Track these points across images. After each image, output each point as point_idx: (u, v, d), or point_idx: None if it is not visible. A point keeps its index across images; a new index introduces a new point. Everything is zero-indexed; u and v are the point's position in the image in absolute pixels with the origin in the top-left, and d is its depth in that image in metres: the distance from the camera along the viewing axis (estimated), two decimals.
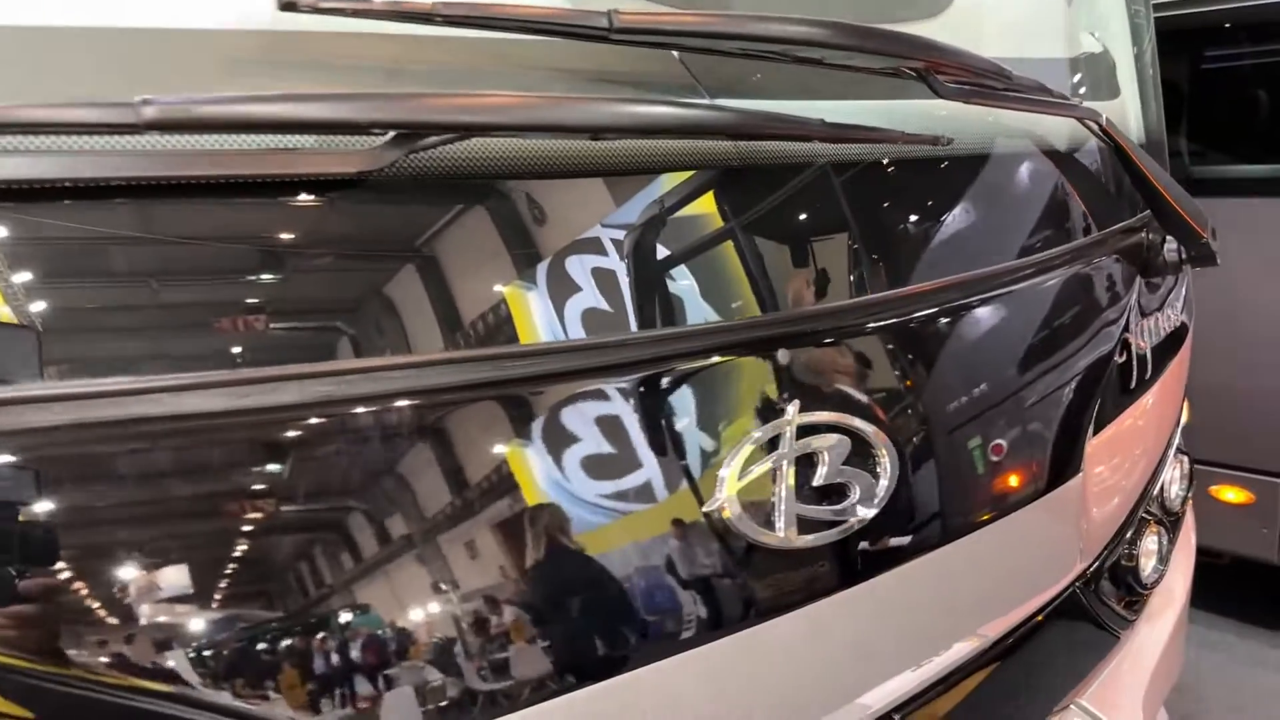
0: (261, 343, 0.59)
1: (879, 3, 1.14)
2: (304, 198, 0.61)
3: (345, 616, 0.59)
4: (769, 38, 0.75)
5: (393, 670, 0.60)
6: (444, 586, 0.62)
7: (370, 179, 0.61)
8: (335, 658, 0.58)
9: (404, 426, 0.62)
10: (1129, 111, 1.48)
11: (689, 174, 0.80)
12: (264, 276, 0.61)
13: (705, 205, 0.81)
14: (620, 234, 0.76)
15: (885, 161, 0.95)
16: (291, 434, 0.59)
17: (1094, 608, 1.23)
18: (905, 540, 0.85)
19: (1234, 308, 2.54)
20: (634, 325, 0.73)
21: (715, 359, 0.76)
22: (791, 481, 0.76)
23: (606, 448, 0.69)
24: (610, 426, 0.70)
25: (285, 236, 0.62)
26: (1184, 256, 1.30)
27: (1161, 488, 1.41)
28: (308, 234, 0.62)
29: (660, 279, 0.75)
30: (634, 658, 0.69)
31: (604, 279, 0.73)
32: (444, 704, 0.61)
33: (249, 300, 0.60)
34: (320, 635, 0.58)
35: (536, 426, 0.67)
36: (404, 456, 0.62)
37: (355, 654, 0.59)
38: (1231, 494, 2.64)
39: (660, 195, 0.78)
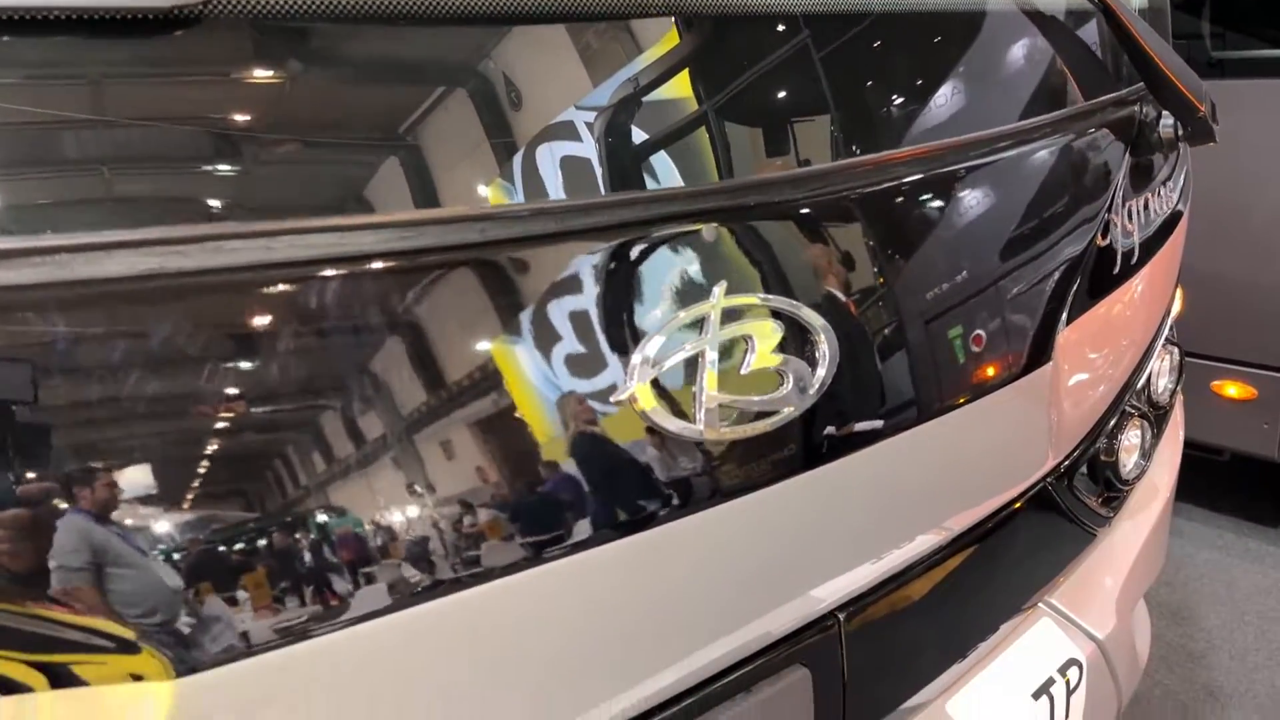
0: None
1: None
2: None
3: (290, 492, 0.54)
4: None
5: (310, 548, 0.55)
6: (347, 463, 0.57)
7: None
8: (282, 535, 0.53)
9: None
10: None
11: (621, 20, 0.72)
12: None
13: (639, 60, 0.73)
14: (534, 88, 0.68)
15: (850, 13, 0.86)
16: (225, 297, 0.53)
17: (1068, 504, 1.18)
18: (847, 432, 0.79)
19: (1248, 195, 2.43)
20: (545, 192, 0.66)
21: (633, 233, 0.69)
22: (714, 369, 0.69)
23: (510, 329, 0.63)
24: (512, 306, 0.63)
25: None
26: (1179, 133, 1.21)
27: (1148, 380, 1.35)
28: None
29: (574, 141, 0.68)
30: (543, 552, 0.64)
31: (507, 138, 0.66)
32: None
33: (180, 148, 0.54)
34: (268, 513, 0.53)
35: (431, 301, 0.60)
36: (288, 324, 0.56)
37: (289, 534, 0.54)
38: (1233, 389, 2.58)
39: (586, 45, 0.71)
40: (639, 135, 0.71)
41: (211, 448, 0.53)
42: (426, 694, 0.61)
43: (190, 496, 0.52)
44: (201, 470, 0.52)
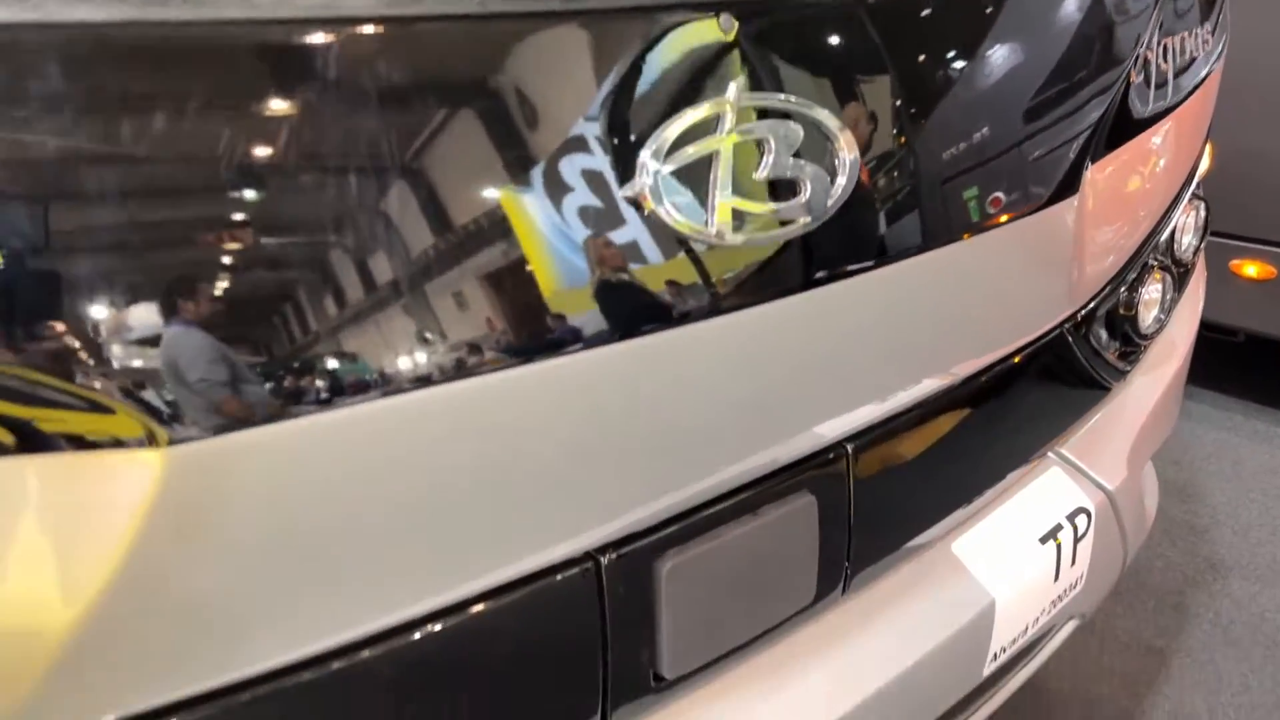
0: None
1: None
2: None
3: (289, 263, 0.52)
4: None
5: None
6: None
7: None
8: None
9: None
10: None
11: None
12: None
13: None
14: None
15: None
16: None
17: (1085, 355, 1.16)
18: (866, 248, 0.76)
19: (1273, 68, 2.35)
20: None
21: (645, 17, 0.65)
22: (728, 170, 0.66)
23: (511, 113, 0.59)
24: (513, 87, 0.60)
25: None
26: None
27: (1172, 234, 1.31)
28: None
29: None
30: (543, 348, 0.62)
31: None
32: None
33: None
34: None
35: (425, 72, 0.57)
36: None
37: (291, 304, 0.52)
38: (1253, 269, 2.53)
39: None
40: None
41: (211, 202, 0.50)
42: (426, 482, 0.59)
43: (184, 252, 0.50)
44: (192, 228, 0.50)
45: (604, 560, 0.72)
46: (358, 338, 0.55)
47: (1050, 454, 1.17)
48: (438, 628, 0.65)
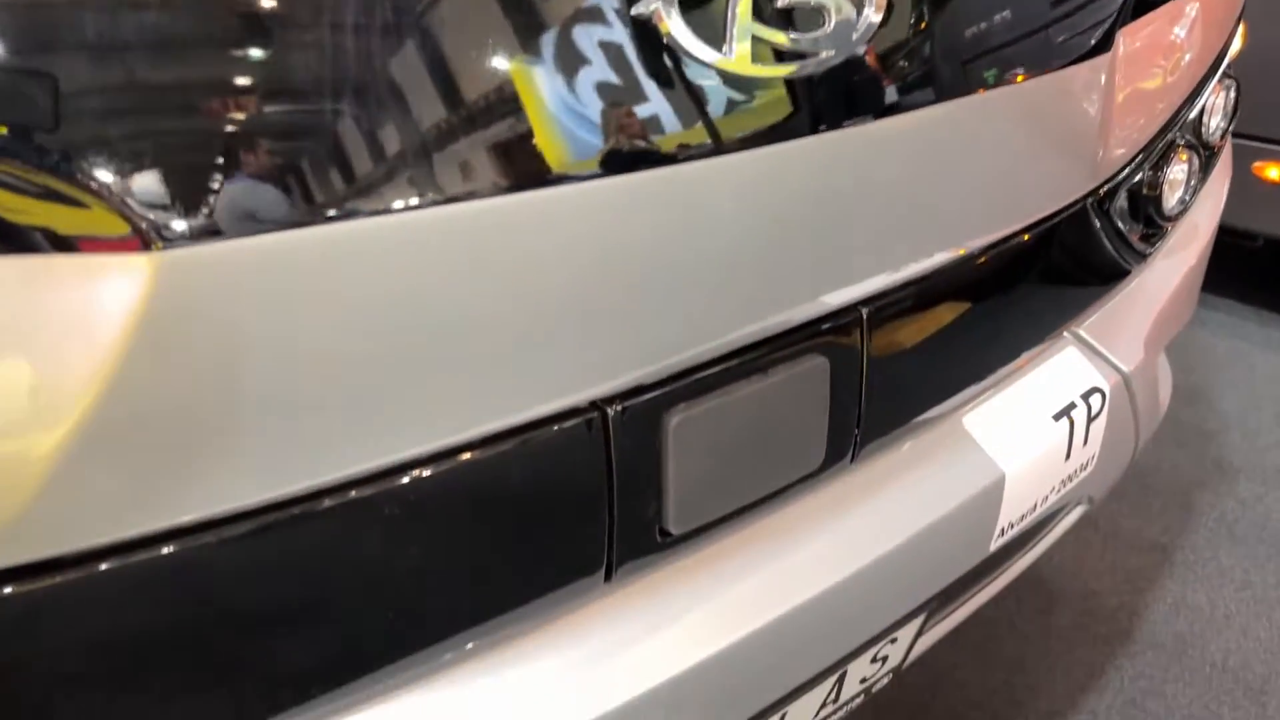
0: None
1: None
2: None
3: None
4: None
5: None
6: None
7: None
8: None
9: None
10: None
11: None
12: None
13: None
14: None
15: None
16: None
17: (1106, 233, 1.13)
18: (894, 89, 0.73)
19: None
20: None
21: None
22: None
23: None
24: None
25: None
26: None
27: (1201, 113, 1.26)
28: None
29: None
30: (554, 171, 0.59)
31: None
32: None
33: None
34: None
35: None
36: None
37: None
38: (1276, 171, 2.48)
39: None
40: None
41: None
42: (430, 311, 0.57)
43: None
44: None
45: (610, 411, 0.70)
46: (363, 146, 0.52)
47: (1067, 333, 1.15)
48: (443, 469, 0.63)
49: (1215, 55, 1.25)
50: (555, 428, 0.68)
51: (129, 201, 0.46)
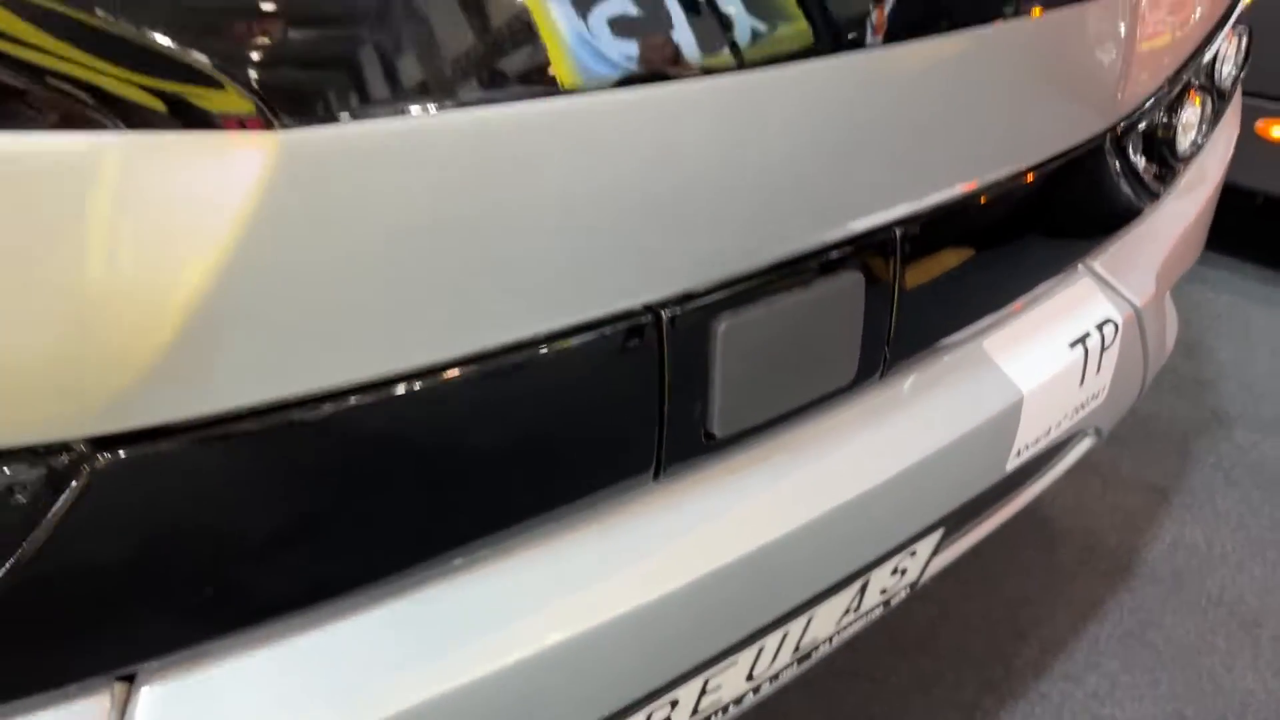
0: None
1: None
2: None
3: None
4: None
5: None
6: None
7: None
8: None
9: None
10: None
11: None
12: None
13: None
14: None
15: None
16: None
17: (1123, 169, 1.17)
18: (928, 8, 0.77)
19: None
20: None
21: None
22: None
23: None
24: None
25: None
26: None
27: (1214, 59, 1.30)
28: None
29: None
30: (607, 76, 0.63)
31: None
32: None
33: None
34: None
35: None
36: None
37: None
38: (1279, 130, 2.51)
39: None
40: None
41: None
42: (506, 208, 0.61)
43: None
44: None
45: (665, 314, 0.74)
46: (453, 46, 0.56)
47: (1082, 266, 1.19)
48: (514, 362, 0.68)
49: (1229, 1, 1.29)
50: (613, 329, 0.72)
51: (256, 84, 0.50)
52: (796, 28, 0.69)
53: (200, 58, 0.49)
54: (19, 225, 0.48)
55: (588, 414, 0.74)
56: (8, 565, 0.53)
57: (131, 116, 0.48)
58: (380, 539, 0.67)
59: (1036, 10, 0.85)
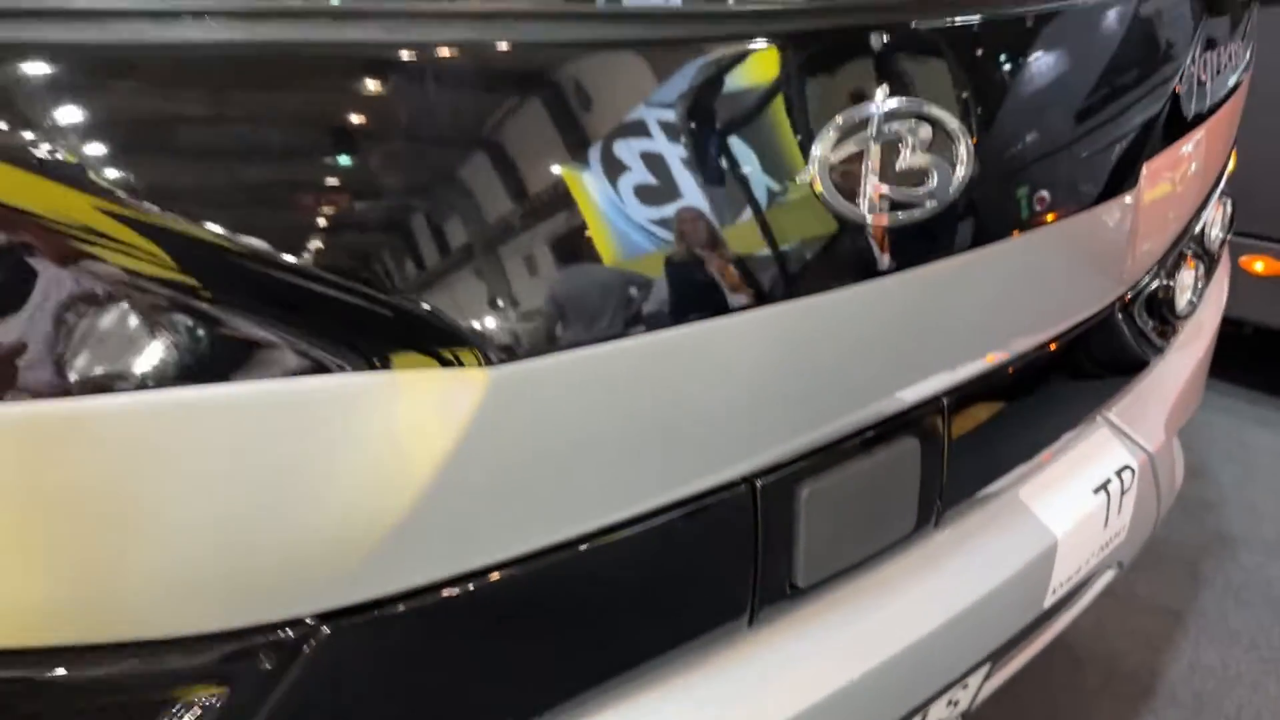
0: None
1: None
2: None
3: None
4: None
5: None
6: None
7: None
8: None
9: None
10: None
11: None
12: None
13: None
14: None
15: None
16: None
17: (1130, 331, 1.31)
18: (974, 229, 0.92)
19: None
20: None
21: (812, 40, 0.80)
22: (876, 161, 0.81)
23: (705, 115, 0.75)
24: (711, 95, 0.75)
25: None
26: None
27: (1204, 227, 1.47)
28: None
29: None
30: (716, 306, 0.77)
31: None
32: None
33: None
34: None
35: (661, 85, 0.72)
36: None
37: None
38: (1260, 265, 2.69)
39: None
40: None
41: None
42: (655, 410, 0.75)
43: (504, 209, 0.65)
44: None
45: (759, 484, 0.87)
46: (638, 286, 0.70)
47: (1100, 417, 1.32)
48: (636, 531, 0.80)
49: (1216, 175, 1.46)
50: (717, 497, 0.85)
51: (472, 332, 0.64)
52: (869, 252, 0.84)
53: (428, 310, 0.63)
54: (287, 446, 0.61)
55: (697, 569, 0.87)
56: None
57: (373, 361, 0.62)
58: (531, 683, 0.78)
59: (1059, 216, 1.00)
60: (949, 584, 1.06)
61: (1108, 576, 1.45)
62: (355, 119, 0.61)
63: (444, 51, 0.63)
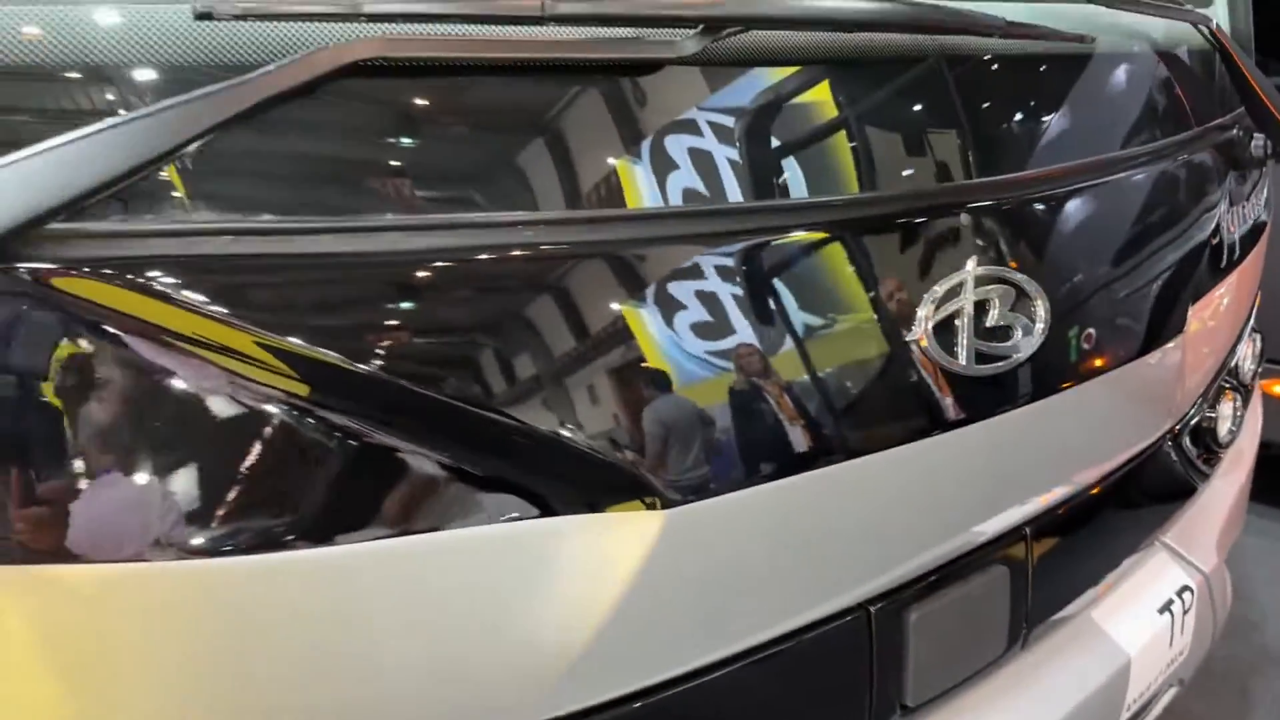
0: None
1: None
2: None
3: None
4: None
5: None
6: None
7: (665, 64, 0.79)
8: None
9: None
10: (1219, 13, 1.62)
11: (877, 65, 0.97)
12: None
13: (889, 92, 0.97)
14: (826, 112, 0.93)
15: (1016, 57, 1.10)
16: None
17: (1180, 460, 1.42)
18: (1051, 377, 1.03)
19: None
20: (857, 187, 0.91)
21: (913, 218, 0.93)
22: (971, 320, 0.93)
23: (838, 285, 0.87)
24: (842, 268, 0.88)
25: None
26: (1269, 152, 1.46)
27: (1238, 360, 1.59)
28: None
29: (872, 150, 0.93)
30: (843, 451, 0.88)
31: (815, 149, 0.90)
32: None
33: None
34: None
35: (783, 271, 0.85)
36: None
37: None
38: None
39: (856, 83, 0.95)
40: (906, 149, 0.96)
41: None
42: (795, 543, 0.85)
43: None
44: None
45: (874, 609, 0.96)
46: (783, 440, 0.82)
47: (1158, 542, 1.42)
48: (771, 653, 0.89)
49: (1246, 313, 1.59)
50: (841, 621, 0.94)
51: (655, 477, 0.75)
52: (965, 400, 0.95)
53: (627, 463, 0.74)
54: (509, 579, 0.72)
55: (820, 690, 0.95)
56: None
57: (586, 505, 0.73)
58: None
59: (1116, 362, 1.12)
60: (1037, 702, 1.14)
61: (1170, 694, 1.51)
62: (587, 315, 0.73)
63: (633, 251, 0.76)
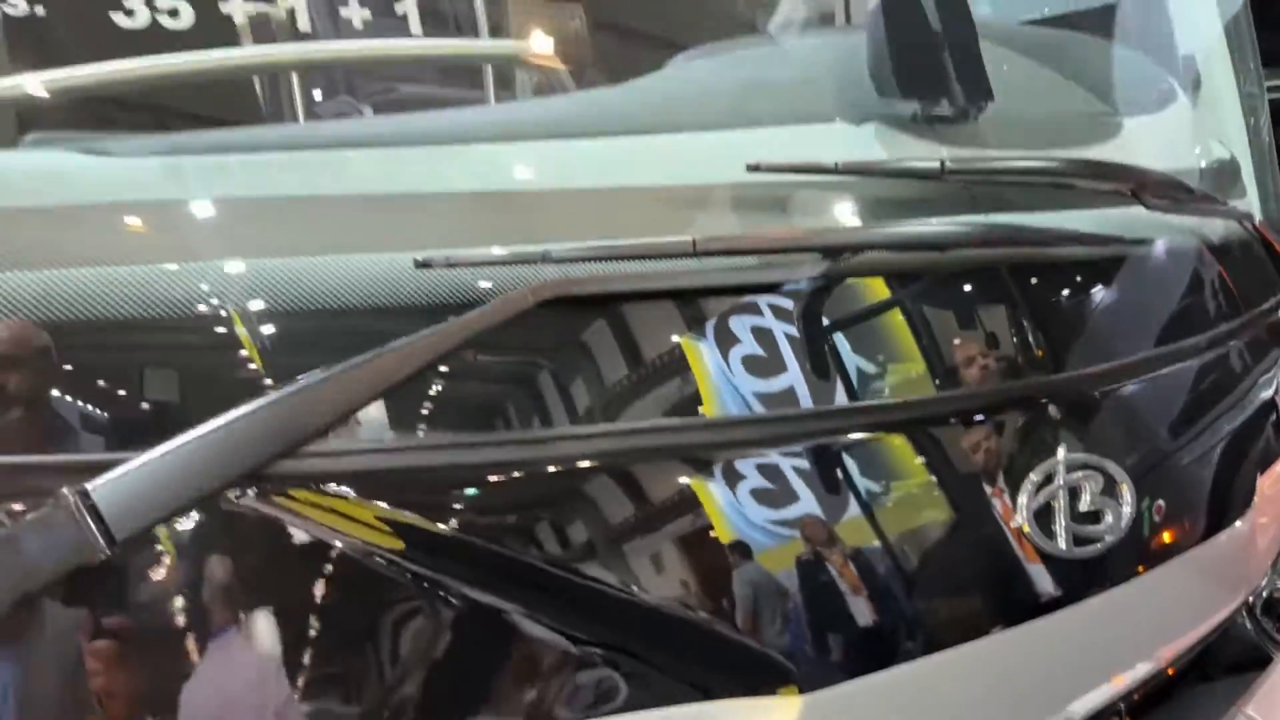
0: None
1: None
2: None
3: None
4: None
5: None
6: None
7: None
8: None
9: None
10: (1252, 202, 1.74)
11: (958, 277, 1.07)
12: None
13: (978, 300, 1.07)
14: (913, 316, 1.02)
15: (1075, 261, 1.20)
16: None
17: (1254, 629, 1.45)
18: (1136, 559, 1.09)
19: None
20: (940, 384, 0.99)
21: (1005, 413, 1.01)
22: (1065, 505, 1.00)
23: (945, 477, 0.95)
24: (944, 461, 0.95)
25: None
26: None
27: None
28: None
29: (970, 351, 1.02)
30: (952, 636, 0.93)
31: (923, 350, 0.99)
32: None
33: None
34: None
35: (906, 469, 0.93)
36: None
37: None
38: None
39: (951, 294, 1.05)
40: (994, 349, 1.05)
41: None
42: None
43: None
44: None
45: None
46: (898, 630, 0.87)
47: (1241, 714, 1.44)
48: None
49: None
50: None
51: (795, 667, 0.81)
52: (1065, 581, 1.01)
53: (775, 656, 0.80)
54: None
55: None
56: None
57: (743, 690, 0.79)
58: None
59: (1197, 539, 1.18)
60: None
61: None
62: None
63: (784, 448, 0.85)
